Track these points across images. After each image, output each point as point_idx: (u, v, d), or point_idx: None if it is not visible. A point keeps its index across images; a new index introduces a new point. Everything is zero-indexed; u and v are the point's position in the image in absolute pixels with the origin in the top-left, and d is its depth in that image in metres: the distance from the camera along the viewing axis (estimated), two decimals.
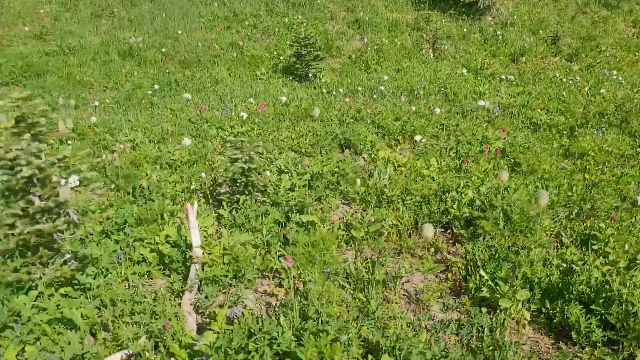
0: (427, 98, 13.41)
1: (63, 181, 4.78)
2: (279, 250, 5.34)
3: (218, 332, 4.02)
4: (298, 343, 3.86)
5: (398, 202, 6.48)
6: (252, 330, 3.90)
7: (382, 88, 14.27)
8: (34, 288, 4.70)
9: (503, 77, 15.76)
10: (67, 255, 4.94)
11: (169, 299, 4.76)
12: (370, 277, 4.82)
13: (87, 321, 4.47)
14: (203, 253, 5.14)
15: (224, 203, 6.73)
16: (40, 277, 4.59)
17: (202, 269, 4.95)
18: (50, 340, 4.31)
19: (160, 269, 5.36)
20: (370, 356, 3.76)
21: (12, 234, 4.69)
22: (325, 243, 5.18)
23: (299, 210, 6.12)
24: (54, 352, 4.15)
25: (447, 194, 6.48)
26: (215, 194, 7.17)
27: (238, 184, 6.72)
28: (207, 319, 4.77)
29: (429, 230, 4.43)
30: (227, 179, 7.29)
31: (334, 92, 14.47)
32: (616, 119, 10.72)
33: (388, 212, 6.15)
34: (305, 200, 6.01)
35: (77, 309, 4.57)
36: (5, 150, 4.66)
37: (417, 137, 9.18)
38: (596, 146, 8.71)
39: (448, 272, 5.22)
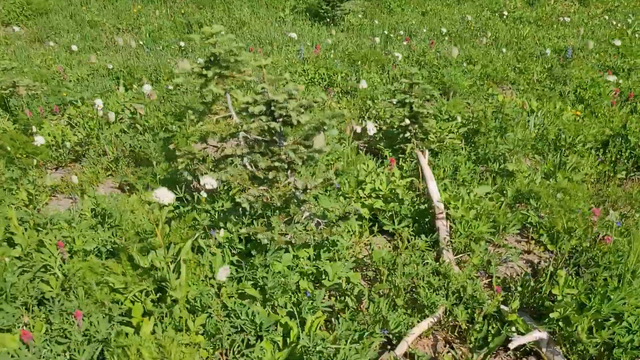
0: (469, 42, 12.92)
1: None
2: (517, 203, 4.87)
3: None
4: None
5: (576, 148, 6.10)
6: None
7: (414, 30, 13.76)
8: (286, 251, 4.05)
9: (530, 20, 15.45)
10: (306, 214, 4.27)
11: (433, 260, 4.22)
12: None
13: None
14: (448, 208, 4.59)
15: (386, 153, 6.15)
16: (306, 239, 3.94)
17: (459, 226, 4.41)
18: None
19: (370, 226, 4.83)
20: None
21: (265, 190, 3.99)
22: (574, 192, 4.75)
23: (495, 158, 5.65)
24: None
25: (624, 140, 6.15)
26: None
27: (408, 131, 6.12)
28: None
29: None
30: (379, 127, 6.69)
31: (370, 36, 13.76)
32: None
33: (579, 159, 5.75)
34: (508, 146, 5.53)
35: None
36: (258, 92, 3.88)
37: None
38: None
39: None
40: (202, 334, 3.52)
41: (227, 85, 4.89)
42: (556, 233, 4.48)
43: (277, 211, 4.15)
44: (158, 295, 3.73)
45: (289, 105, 3.80)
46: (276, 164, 3.93)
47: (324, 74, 9.63)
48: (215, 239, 4.13)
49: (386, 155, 6.12)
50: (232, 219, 4.23)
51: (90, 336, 3.34)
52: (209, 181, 2.83)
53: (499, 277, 4.17)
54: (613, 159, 5.96)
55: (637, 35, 13.07)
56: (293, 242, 3.84)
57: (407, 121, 5.89)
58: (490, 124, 6.39)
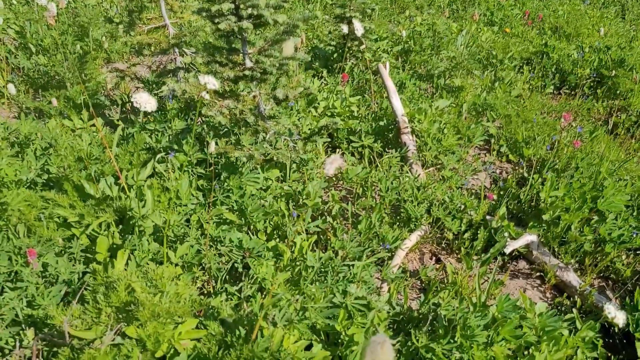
0: None
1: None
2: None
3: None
4: None
5: (504, 65, 6.24)
6: None
7: None
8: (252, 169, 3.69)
9: None
10: (272, 131, 3.90)
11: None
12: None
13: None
14: (413, 122, 4.46)
15: (324, 73, 5.86)
16: (285, 158, 3.60)
17: (428, 140, 4.29)
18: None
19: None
20: None
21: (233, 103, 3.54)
22: (528, 103, 4.84)
23: (440, 75, 5.59)
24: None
25: (546, 56, 6.39)
26: None
27: (347, 48, 5.84)
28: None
29: None
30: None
31: None
32: None
33: (514, 75, 5.88)
34: (452, 61, 5.48)
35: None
36: None
37: None
38: None
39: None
40: (182, 265, 3.10)
41: None
42: (516, 142, 4.52)
43: (244, 128, 3.72)
44: (119, 228, 3.21)
45: (260, 2, 3.32)
46: (246, 72, 3.47)
47: None
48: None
49: (322, 76, 5.82)
50: (189, 141, 3.75)
51: (51, 277, 2.79)
52: (211, 81, 2.34)
53: (471, 189, 4.14)
54: (540, 74, 6.15)
55: None
56: (276, 158, 3.46)
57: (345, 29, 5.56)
58: (424, 42, 6.28)
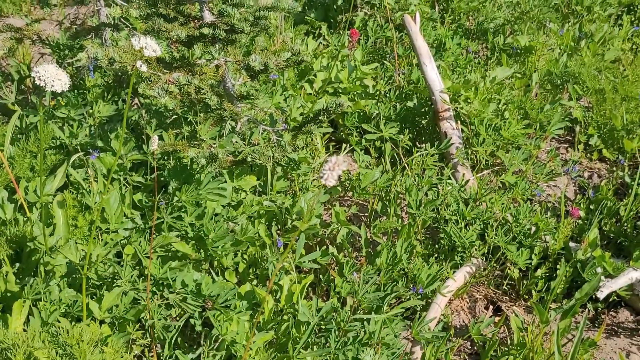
0: None
1: None
2: None
3: None
4: None
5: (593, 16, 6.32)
6: None
7: None
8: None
9: None
10: (245, 118, 3.93)
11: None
12: None
13: None
14: (457, 101, 4.50)
15: (323, 28, 5.93)
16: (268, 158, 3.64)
17: (480, 128, 4.33)
18: None
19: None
20: None
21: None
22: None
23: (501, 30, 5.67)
24: None
25: None
26: None
27: None
28: None
29: None
30: None
31: None
32: None
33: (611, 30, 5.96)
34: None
35: None
36: None
37: None
38: None
39: None
40: (111, 322, 3.14)
41: None
42: (613, 131, 4.56)
43: (202, 114, 3.76)
44: (15, 267, 3.25)
45: None
46: (205, 31, 3.50)
47: None
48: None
49: (321, 32, 5.88)
50: (120, 134, 3.78)
51: None
52: (151, 44, 2.34)
53: (546, 202, 4.19)
54: None
55: None
56: (251, 159, 3.49)
57: None
58: None
